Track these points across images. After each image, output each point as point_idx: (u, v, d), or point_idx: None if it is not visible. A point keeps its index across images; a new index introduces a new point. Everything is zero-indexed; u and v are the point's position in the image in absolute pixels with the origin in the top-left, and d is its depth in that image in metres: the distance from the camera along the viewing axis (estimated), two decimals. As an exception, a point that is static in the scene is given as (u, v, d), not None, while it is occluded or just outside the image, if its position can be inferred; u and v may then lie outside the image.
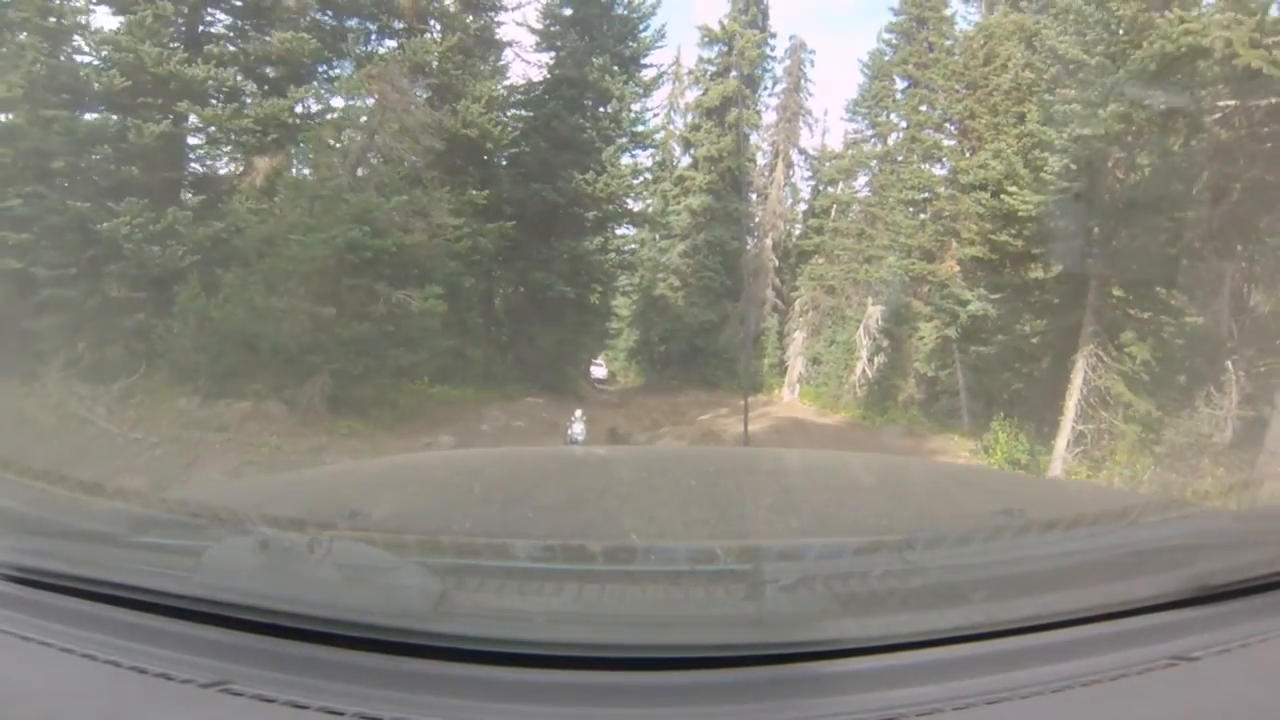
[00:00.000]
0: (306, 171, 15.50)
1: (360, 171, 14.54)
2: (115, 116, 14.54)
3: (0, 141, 14.00)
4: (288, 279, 13.15)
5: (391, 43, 19.08)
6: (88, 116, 14.99)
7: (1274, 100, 9.46)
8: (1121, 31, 11.11)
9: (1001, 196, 15.16)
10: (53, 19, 15.21)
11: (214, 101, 15.26)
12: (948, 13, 26.72)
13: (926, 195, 24.19)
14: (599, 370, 29.84)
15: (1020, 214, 14.24)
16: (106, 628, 0.98)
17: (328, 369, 13.28)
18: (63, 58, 15.36)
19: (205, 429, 11.88)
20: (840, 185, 29.40)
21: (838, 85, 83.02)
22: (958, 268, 19.13)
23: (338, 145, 15.01)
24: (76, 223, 13.48)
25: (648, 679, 0.88)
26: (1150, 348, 12.31)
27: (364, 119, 14.99)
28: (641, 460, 2.52)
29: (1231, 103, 9.75)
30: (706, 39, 29.74)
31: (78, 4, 15.64)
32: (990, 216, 15.89)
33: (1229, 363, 11.38)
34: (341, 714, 0.80)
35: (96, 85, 14.33)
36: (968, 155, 21.09)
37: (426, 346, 14.97)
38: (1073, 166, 12.46)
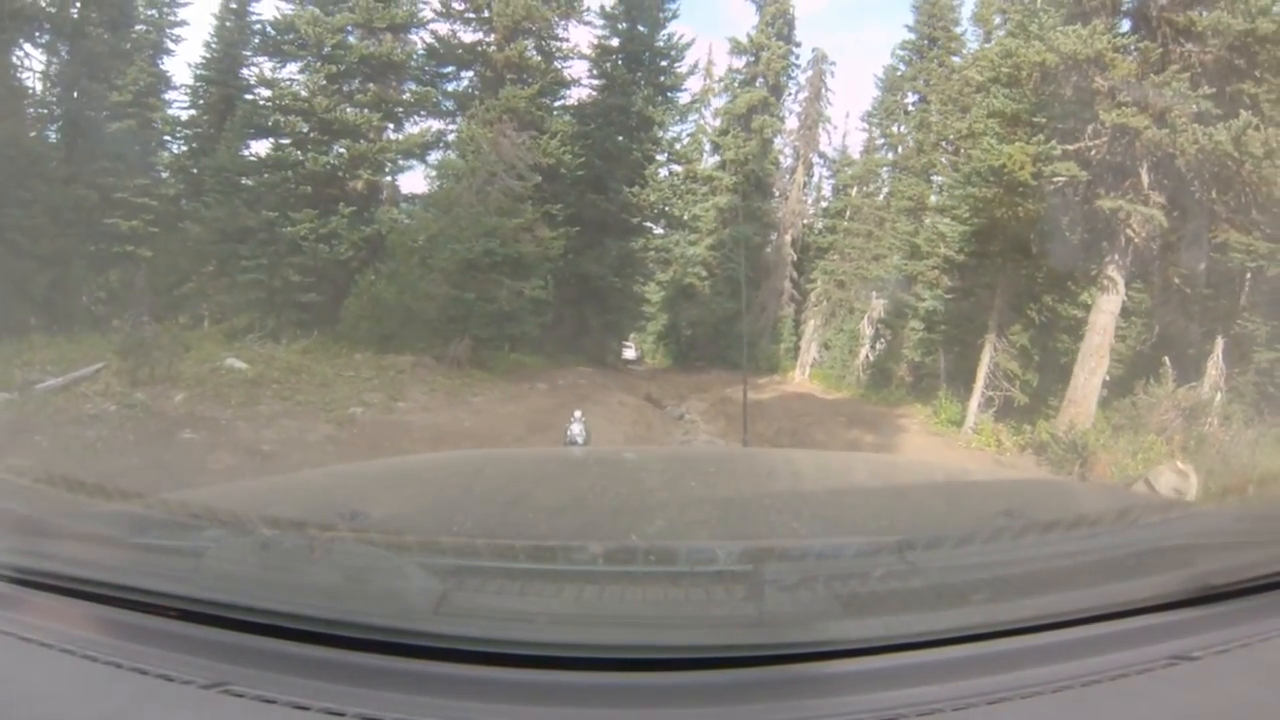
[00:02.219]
0: (437, 190, 17.25)
1: (479, 194, 15.77)
2: (295, 149, 16.01)
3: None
4: (437, 272, 14.65)
5: (474, 78, 19.70)
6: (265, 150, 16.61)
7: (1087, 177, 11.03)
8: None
9: (943, 223, 16.14)
10: (148, 29, 17.11)
11: (356, 136, 16.55)
12: (958, 30, 24.60)
13: (920, 207, 22.92)
14: (629, 352, 28.48)
15: (949, 238, 15.28)
16: (107, 629, 0.82)
17: (469, 335, 14.86)
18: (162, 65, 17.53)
19: (390, 371, 13.28)
20: (855, 189, 27.50)
21: (857, 89, 75.95)
22: (939, 274, 18.38)
23: (466, 174, 16.40)
24: (266, 227, 14.96)
25: (648, 680, 0.72)
26: (1029, 336, 13.66)
27: (485, 156, 16.25)
28: (642, 461, 2.24)
29: (1063, 178, 11.06)
30: (735, 50, 27.76)
31: (174, 16, 17.77)
32: (940, 236, 16.36)
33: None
34: (342, 714, 0.66)
35: (283, 125, 16.01)
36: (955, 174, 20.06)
37: (528, 323, 16.54)
38: (969, 210, 14.00)
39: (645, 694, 0.71)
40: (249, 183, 15.55)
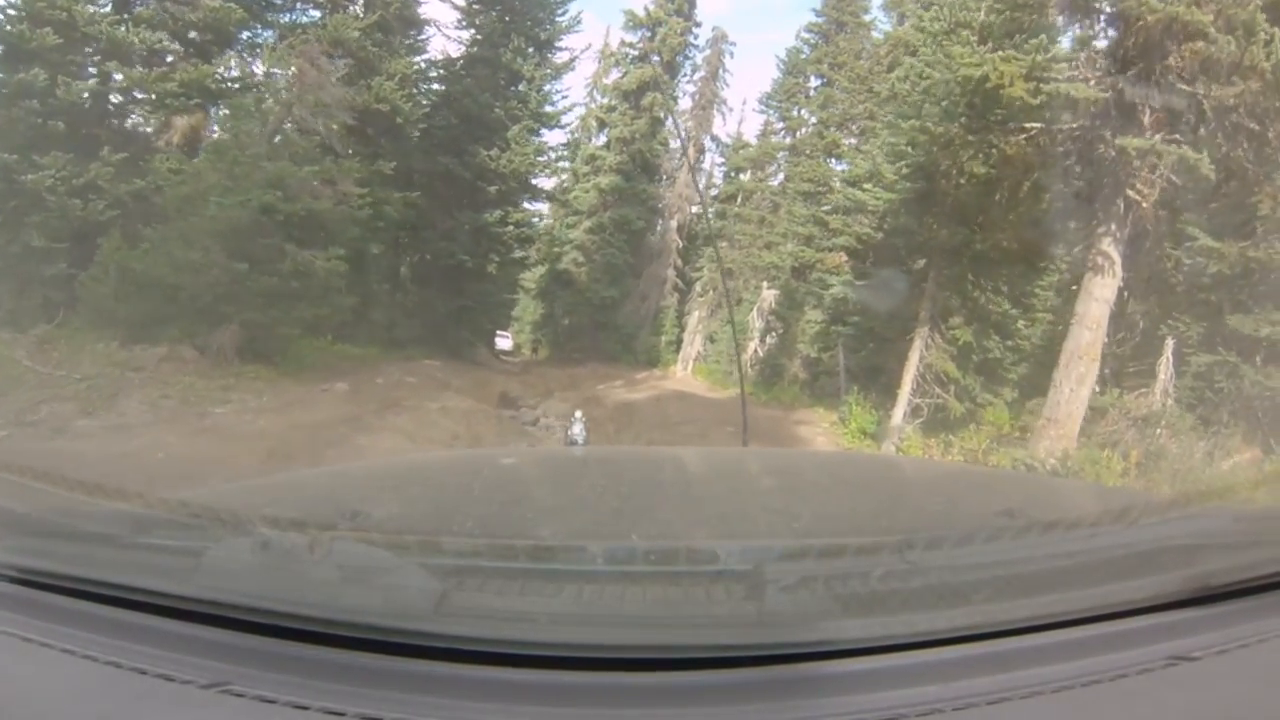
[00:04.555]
0: (226, 135, 15.43)
1: (277, 140, 14.69)
2: (44, 72, 13.87)
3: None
4: (205, 236, 13.21)
5: (315, 13, 18.57)
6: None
7: (1067, 125, 10.24)
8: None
9: (862, 189, 15.58)
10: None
11: (140, 64, 14.87)
12: (866, 19, 26.29)
13: (822, 189, 23.79)
14: (504, 342, 29.11)
15: (871, 209, 14.88)
16: (107, 629, 0.90)
17: (238, 319, 13.52)
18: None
19: (124, 368, 12.13)
20: (749, 174, 28.81)
21: (757, 79, 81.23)
22: (845, 258, 19.05)
23: (257, 114, 14.98)
24: (1, 173, 13.17)
25: (648, 679, 0.80)
26: (973, 333, 13.03)
27: (282, 91, 15.20)
28: (642, 461, 2.40)
29: (1034, 125, 10.50)
30: (630, 23, 28.49)
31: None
32: (856, 209, 16.29)
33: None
34: (343, 714, 0.74)
35: (31, 41, 13.70)
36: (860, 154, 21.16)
37: (329, 303, 15.08)
38: (905, 170, 13.14)
39: (645, 694, 0.78)
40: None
